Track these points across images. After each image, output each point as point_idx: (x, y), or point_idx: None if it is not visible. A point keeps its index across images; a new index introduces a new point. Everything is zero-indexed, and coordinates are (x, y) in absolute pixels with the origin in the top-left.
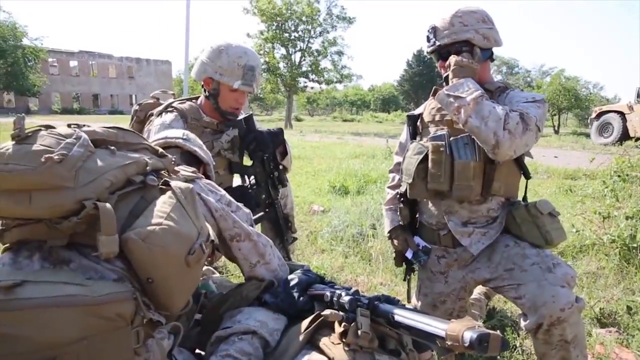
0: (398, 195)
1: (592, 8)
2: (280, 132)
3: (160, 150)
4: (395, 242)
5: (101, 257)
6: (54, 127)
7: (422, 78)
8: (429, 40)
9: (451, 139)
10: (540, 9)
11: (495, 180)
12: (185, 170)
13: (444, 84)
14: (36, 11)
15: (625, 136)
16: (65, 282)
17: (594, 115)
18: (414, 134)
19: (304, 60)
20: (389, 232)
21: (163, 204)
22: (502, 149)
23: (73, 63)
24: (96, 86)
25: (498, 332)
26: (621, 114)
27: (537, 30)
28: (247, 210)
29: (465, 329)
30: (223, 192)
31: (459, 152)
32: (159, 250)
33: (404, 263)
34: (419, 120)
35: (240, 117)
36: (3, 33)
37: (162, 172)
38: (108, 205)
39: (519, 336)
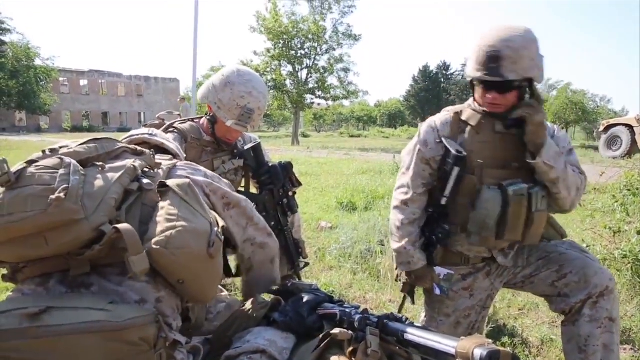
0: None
1: (598, 20)
2: (290, 165)
3: (138, 147)
4: (423, 281)
5: (136, 277)
6: (37, 161)
7: (428, 93)
8: (489, 68)
9: (532, 190)
10: (546, 23)
11: None
12: (163, 159)
13: (507, 122)
14: (49, 31)
15: (634, 149)
16: (90, 307)
17: (602, 128)
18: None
19: (311, 77)
20: (415, 271)
21: (170, 207)
22: (572, 210)
23: (83, 82)
24: (105, 104)
25: (509, 349)
26: (629, 127)
27: (543, 44)
28: (226, 181)
29: (476, 347)
30: (202, 168)
31: (537, 203)
32: (181, 252)
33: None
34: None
35: (248, 146)
36: (17, 54)
37: (146, 168)
38: (128, 225)
39: (530, 354)
